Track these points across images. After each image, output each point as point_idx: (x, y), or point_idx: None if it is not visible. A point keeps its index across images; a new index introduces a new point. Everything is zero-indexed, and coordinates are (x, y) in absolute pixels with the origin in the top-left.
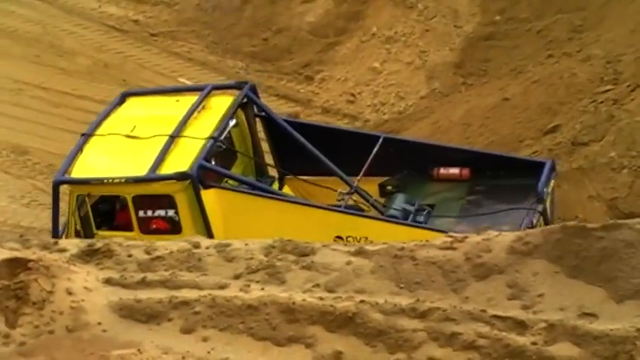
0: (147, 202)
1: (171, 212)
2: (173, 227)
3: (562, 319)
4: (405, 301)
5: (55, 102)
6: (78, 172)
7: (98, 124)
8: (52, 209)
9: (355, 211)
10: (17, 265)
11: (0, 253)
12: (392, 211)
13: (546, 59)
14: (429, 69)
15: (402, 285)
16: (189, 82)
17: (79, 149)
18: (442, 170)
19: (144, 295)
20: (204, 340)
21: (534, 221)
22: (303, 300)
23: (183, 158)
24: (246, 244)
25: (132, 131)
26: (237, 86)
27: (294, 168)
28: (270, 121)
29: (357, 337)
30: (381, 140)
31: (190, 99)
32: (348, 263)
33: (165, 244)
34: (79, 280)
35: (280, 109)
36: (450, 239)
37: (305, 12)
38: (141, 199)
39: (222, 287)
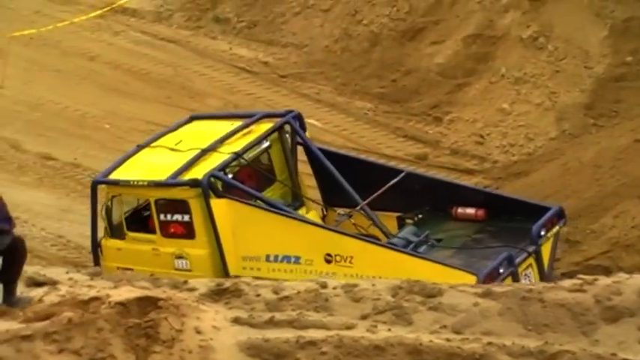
0: (167, 206)
1: (186, 217)
2: (188, 232)
3: None
4: (533, 343)
5: None
6: (116, 175)
7: (156, 138)
8: (91, 209)
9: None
10: (148, 303)
11: (131, 292)
12: (394, 239)
13: None
14: (559, 110)
15: (529, 327)
16: (318, 124)
17: (128, 157)
18: (460, 210)
19: (271, 334)
20: None
21: (519, 259)
22: (430, 341)
23: (204, 168)
24: (373, 285)
25: (176, 145)
26: (283, 114)
27: (337, 199)
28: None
29: None
30: (403, 175)
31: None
32: (476, 305)
33: (293, 285)
34: (207, 319)
35: (408, 150)
36: (579, 281)
37: (434, 53)
38: (162, 202)
39: (349, 327)
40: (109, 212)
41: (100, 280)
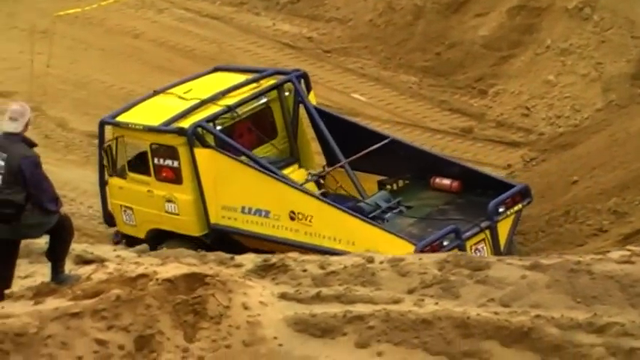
0: (160, 151)
1: (175, 163)
2: (177, 178)
3: None
4: (581, 315)
5: None
6: (124, 117)
7: (173, 85)
8: (98, 147)
9: (333, 195)
10: (195, 280)
11: (178, 269)
12: (361, 203)
13: None
14: (605, 81)
15: (578, 299)
16: (363, 98)
17: (141, 101)
18: (437, 180)
19: (319, 309)
20: (379, 354)
21: (468, 234)
22: (478, 315)
23: (195, 118)
24: (420, 259)
25: (185, 93)
26: (287, 73)
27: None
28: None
29: (533, 352)
30: (387, 140)
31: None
32: (523, 277)
33: (339, 259)
34: (254, 294)
35: (453, 123)
36: (628, 253)
37: (478, 25)
38: (155, 147)
39: (397, 302)
40: (109, 151)
41: (147, 257)
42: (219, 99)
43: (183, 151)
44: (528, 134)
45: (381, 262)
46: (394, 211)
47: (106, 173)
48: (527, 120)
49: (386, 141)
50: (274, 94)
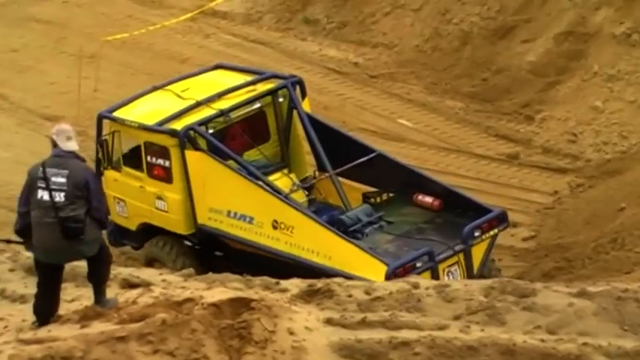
0: (153, 149)
1: (167, 163)
2: (168, 177)
3: None
4: (629, 344)
5: None
6: (121, 112)
7: (173, 81)
8: (96, 139)
9: (319, 203)
10: (241, 304)
11: (224, 293)
12: (343, 216)
13: None
14: None
15: (626, 327)
16: (409, 124)
17: (140, 96)
18: (419, 197)
19: (364, 335)
20: None
21: (442, 257)
22: (524, 342)
23: (189, 120)
24: (466, 285)
25: (182, 92)
26: (285, 77)
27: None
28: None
29: None
30: (374, 154)
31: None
32: (570, 305)
33: (385, 285)
34: (300, 320)
35: (499, 149)
36: None
37: (525, 52)
38: (149, 145)
39: (442, 328)
40: (105, 144)
41: (193, 282)
42: (214, 101)
43: (174, 152)
44: (575, 161)
45: (427, 288)
46: (374, 225)
47: (101, 166)
48: (574, 146)
49: (373, 155)
50: (269, 99)
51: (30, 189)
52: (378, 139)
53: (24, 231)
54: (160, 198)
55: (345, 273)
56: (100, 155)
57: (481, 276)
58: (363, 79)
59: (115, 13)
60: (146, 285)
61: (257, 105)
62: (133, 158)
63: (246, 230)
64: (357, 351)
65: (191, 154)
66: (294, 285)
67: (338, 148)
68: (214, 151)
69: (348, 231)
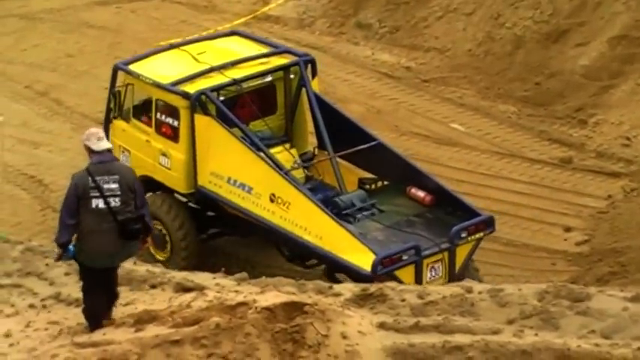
0: (163, 107)
1: (176, 123)
2: (175, 136)
3: None
4: None
5: None
6: (137, 66)
7: (190, 41)
8: (109, 89)
9: (316, 181)
10: (294, 308)
11: (277, 297)
12: (338, 198)
13: None
14: None
15: None
16: (461, 128)
17: (157, 52)
18: (413, 190)
19: (417, 339)
20: None
21: (427, 252)
22: (578, 346)
23: (202, 84)
24: (520, 289)
25: (198, 54)
26: (298, 55)
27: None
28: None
29: None
30: (374, 143)
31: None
32: (625, 309)
33: (438, 289)
34: (353, 324)
35: (552, 153)
36: None
37: (578, 55)
38: (160, 103)
39: (496, 332)
40: (117, 95)
41: (246, 285)
42: (227, 69)
43: (184, 114)
44: (629, 165)
45: (480, 292)
46: (366, 212)
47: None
48: (628, 150)
49: (373, 143)
50: (280, 73)
51: (80, 199)
52: (431, 143)
53: (68, 243)
54: (164, 155)
55: (332, 254)
56: (112, 105)
57: (460, 275)
58: (416, 83)
59: (168, 18)
60: (200, 289)
61: (269, 78)
62: (142, 112)
63: (243, 199)
64: (410, 355)
65: (200, 118)
66: (348, 289)
67: (341, 131)
68: (222, 118)
69: (341, 214)
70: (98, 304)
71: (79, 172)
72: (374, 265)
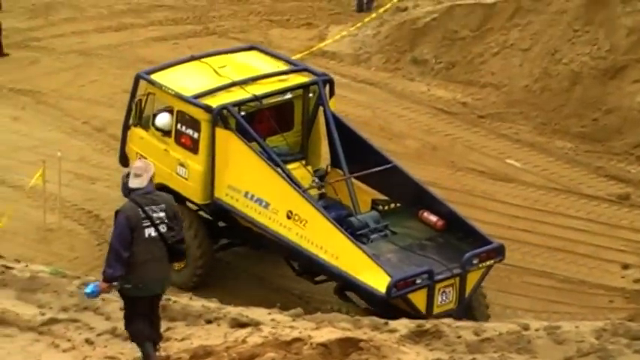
0: (184, 119)
1: (196, 135)
2: (194, 147)
3: None
4: None
5: None
6: (159, 76)
7: (211, 54)
8: (130, 96)
9: (330, 200)
10: (349, 344)
11: (333, 333)
12: (352, 218)
13: None
14: None
15: None
16: (517, 164)
17: (179, 63)
18: (425, 214)
19: None
20: None
21: (440, 277)
22: None
23: (224, 99)
24: (577, 327)
25: (219, 68)
26: (317, 74)
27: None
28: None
29: None
30: (389, 166)
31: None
32: None
33: (494, 326)
34: None
35: (610, 190)
36: None
37: (636, 92)
38: (181, 114)
39: None
40: (139, 104)
41: (301, 321)
42: (248, 84)
43: (205, 127)
44: None
45: (537, 330)
46: (380, 233)
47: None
48: None
49: (388, 166)
50: (300, 91)
51: (132, 231)
52: (487, 179)
53: (121, 277)
54: (182, 165)
55: (347, 274)
56: (133, 114)
57: (469, 301)
58: (472, 119)
59: None
60: (255, 324)
61: (288, 95)
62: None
63: (260, 214)
64: None
65: (221, 132)
66: (403, 325)
67: (356, 151)
68: (242, 133)
69: (355, 234)
70: (145, 327)
71: (126, 205)
72: (389, 288)
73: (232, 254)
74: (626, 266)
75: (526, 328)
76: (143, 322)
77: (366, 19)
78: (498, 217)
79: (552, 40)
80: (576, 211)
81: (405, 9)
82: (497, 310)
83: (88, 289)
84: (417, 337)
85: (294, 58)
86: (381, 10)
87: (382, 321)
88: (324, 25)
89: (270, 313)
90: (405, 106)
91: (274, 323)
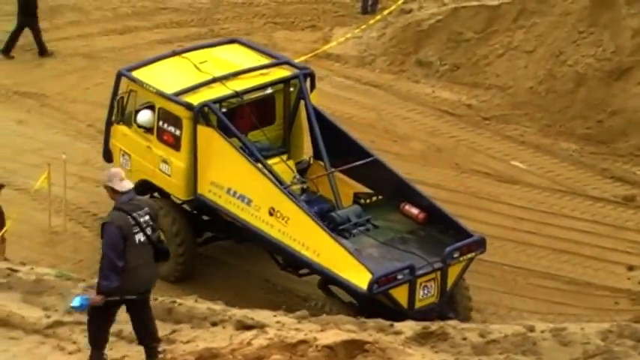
0: (166, 116)
1: (178, 132)
2: (176, 144)
3: None
4: None
5: None
6: (140, 72)
7: (191, 49)
8: (112, 93)
9: (312, 194)
10: (355, 346)
11: (338, 335)
12: (334, 213)
13: None
14: None
15: None
16: (522, 166)
17: (159, 59)
18: (406, 207)
19: None
20: None
21: (421, 272)
22: None
23: (205, 95)
24: (582, 328)
25: (200, 64)
26: (298, 67)
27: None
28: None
29: None
30: (370, 159)
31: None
32: None
33: (500, 328)
34: None
35: (615, 191)
36: None
37: None
38: (163, 111)
39: None
40: (121, 101)
41: (307, 323)
42: (229, 79)
43: (186, 124)
44: None
45: (542, 332)
46: (361, 227)
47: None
48: None
49: (369, 159)
50: (280, 85)
51: (124, 239)
52: (492, 181)
53: (119, 287)
54: (165, 162)
55: (329, 271)
56: (115, 111)
57: (451, 294)
58: (476, 121)
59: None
60: (260, 326)
61: (269, 90)
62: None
63: (242, 210)
64: None
65: (202, 129)
66: (409, 327)
67: (337, 145)
68: (223, 129)
69: (338, 229)
70: (106, 333)
71: (113, 215)
72: (370, 284)
73: (236, 256)
74: (631, 268)
75: (531, 329)
76: (107, 327)
77: (371, 22)
78: (503, 219)
79: (557, 41)
80: (581, 213)
81: (410, 11)
82: (502, 312)
83: (76, 303)
84: (423, 339)
85: (298, 60)
86: (386, 12)
87: (387, 323)
88: (329, 27)
89: (275, 315)
90: (410, 108)
91: (279, 325)
